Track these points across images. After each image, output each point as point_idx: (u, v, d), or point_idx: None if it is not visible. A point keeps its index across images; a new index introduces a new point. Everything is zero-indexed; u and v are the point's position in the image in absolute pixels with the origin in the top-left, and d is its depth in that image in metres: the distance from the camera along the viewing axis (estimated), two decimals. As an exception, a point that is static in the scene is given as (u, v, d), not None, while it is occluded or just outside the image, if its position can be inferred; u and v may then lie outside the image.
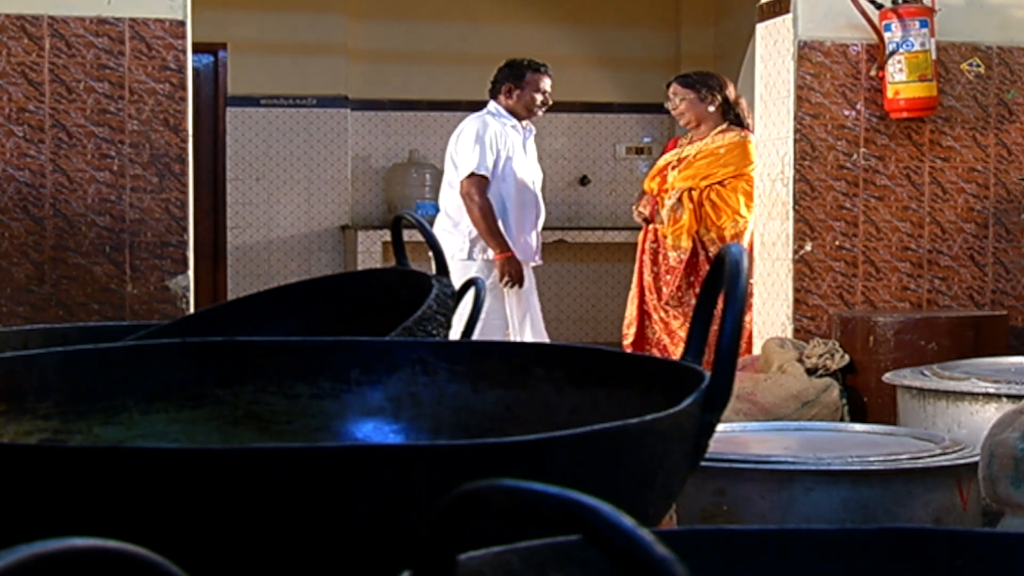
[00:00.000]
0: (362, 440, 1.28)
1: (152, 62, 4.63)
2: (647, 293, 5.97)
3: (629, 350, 5.85)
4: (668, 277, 5.88)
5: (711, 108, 5.94)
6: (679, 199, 5.86)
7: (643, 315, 5.99)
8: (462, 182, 5.65)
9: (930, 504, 2.14)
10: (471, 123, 5.77)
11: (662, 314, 5.89)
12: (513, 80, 5.82)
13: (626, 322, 6.09)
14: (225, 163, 8.81)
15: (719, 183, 5.84)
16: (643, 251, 6.01)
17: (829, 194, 5.10)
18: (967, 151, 5.18)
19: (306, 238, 8.91)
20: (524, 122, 5.88)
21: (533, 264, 5.87)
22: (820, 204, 5.10)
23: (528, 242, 5.80)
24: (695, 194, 5.85)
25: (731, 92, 6.02)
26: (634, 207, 6.18)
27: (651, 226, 5.98)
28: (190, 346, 1.33)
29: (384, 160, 8.89)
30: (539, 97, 5.83)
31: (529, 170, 5.85)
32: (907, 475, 2.14)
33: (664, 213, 5.88)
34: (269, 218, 8.87)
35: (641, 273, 6.01)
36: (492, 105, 5.85)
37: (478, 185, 5.62)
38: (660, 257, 5.94)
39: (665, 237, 5.90)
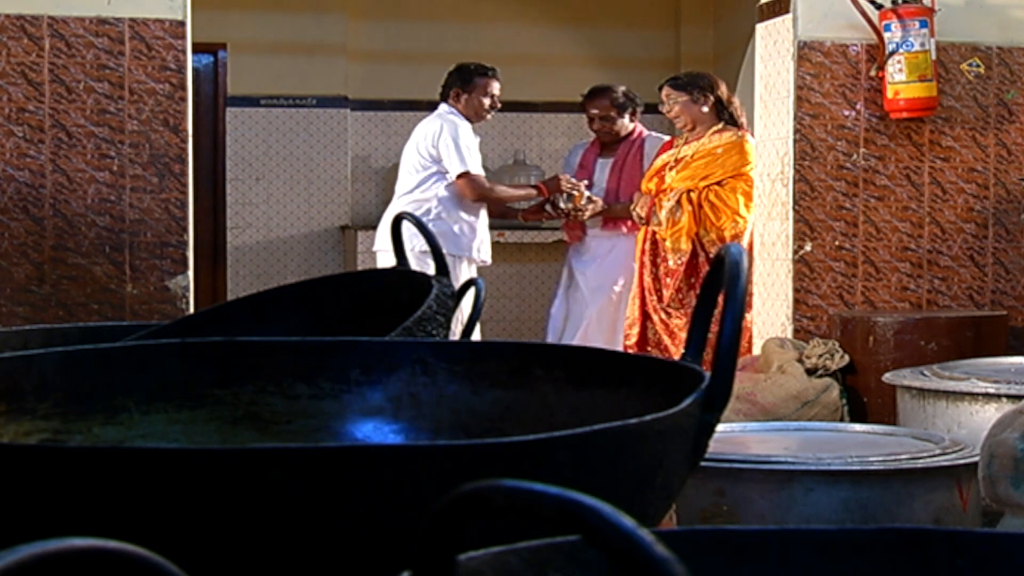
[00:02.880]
0: (362, 440, 1.28)
1: (152, 62, 4.64)
2: (647, 294, 5.96)
3: (631, 350, 5.87)
4: (668, 280, 5.87)
5: (704, 109, 5.94)
6: (678, 201, 5.85)
7: (644, 315, 5.99)
8: (460, 184, 5.70)
9: (930, 504, 2.14)
10: (443, 127, 5.80)
11: (663, 315, 5.89)
12: (461, 85, 5.85)
13: (627, 322, 6.09)
14: (225, 163, 8.81)
15: (717, 183, 5.83)
16: (643, 252, 6.01)
17: (829, 194, 5.10)
18: (967, 151, 5.19)
19: (306, 238, 8.91)
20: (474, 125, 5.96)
21: (486, 264, 5.95)
22: (820, 204, 5.10)
23: (485, 243, 5.91)
24: (694, 195, 5.85)
25: (723, 91, 6.02)
26: (632, 208, 6.18)
27: (649, 227, 5.98)
28: (190, 346, 1.33)
29: (384, 160, 8.89)
30: (487, 101, 5.88)
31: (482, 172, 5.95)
32: (907, 475, 2.14)
33: (662, 215, 5.87)
34: (269, 218, 8.87)
35: (641, 274, 6.01)
36: (444, 107, 5.88)
37: (475, 181, 5.72)
38: (659, 259, 5.94)
39: (663, 240, 5.90)
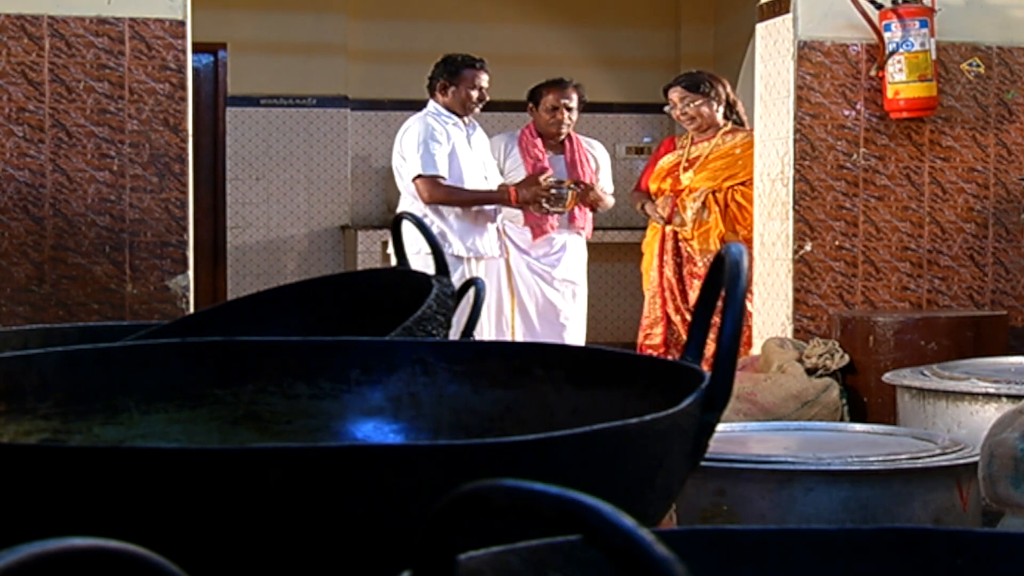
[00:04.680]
0: (362, 440, 1.28)
1: (152, 62, 4.64)
2: (668, 294, 5.94)
3: (656, 350, 5.83)
4: (696, 283, 5.82)
5: (720, 111, 5.92)
6: (703, 202, 5.83)
7: (667, 315, 5.96)
8: (416, 185, 5.61)
9: (930, 504, 2.14)
10: (412, 126, 5.72)
11: (687, 315, 5.84)
12: (448, 77, 5.75)
13: (648, 322, 6.04)
14: (225, 163, 8.81)
15: (742, 184, 5.81)
16: (662, 251, 5.96)
17: (829, 194, 5.10)
18: (967, 151, 5.19)
19: (306, 238, 8.91)
20: (467, 118, 5.80)
21: (496, 257, 5.84)
22: (820, 204, 5.10)
23: (486, 238, 5.77)
24: (720, 196, 5.83)
25: (730, 91, 6.02)
26: (642, 206, 6.14)
27: (668, 228, 5.94)
28: (190, 346, 1.33)
29: (384, 160, 8.89)
30: (475, 94, 5.73)
31: (479, 165, 5.79)
32: (907, 475, 2.14)
33: (688, 215, 5.85)
34: (269, 218, 8.87)
35: (662, 273, 5.97)
36: (431, 104, 5.78)
37: (430, 184, 5.60)
38: (682, 259, 5.91)
39: (687, 240, 5.87)
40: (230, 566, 0.86)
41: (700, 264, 5.82)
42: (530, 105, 6.17)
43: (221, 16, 8.33)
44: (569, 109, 6.07)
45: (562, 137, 6.12)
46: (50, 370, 1.24)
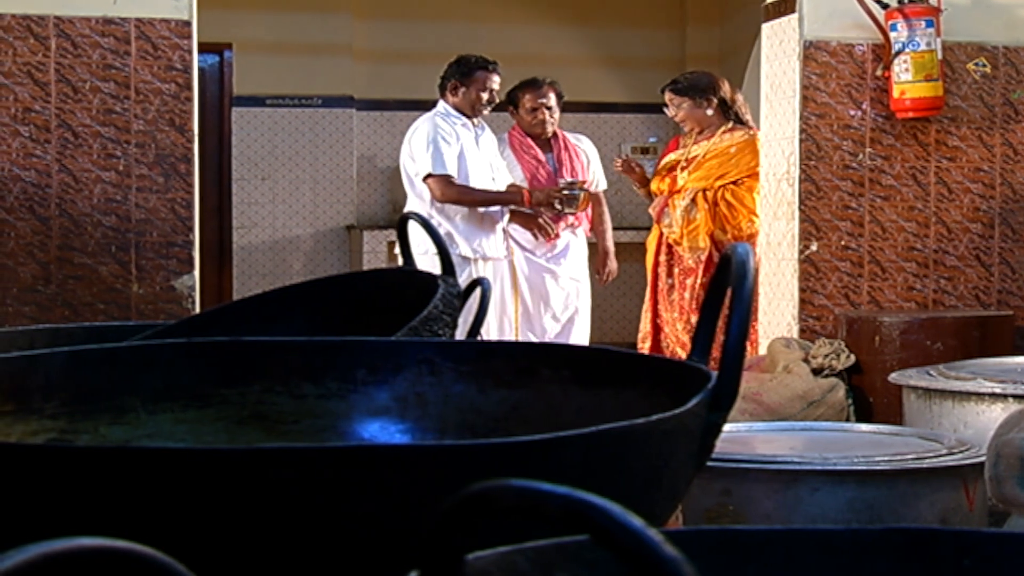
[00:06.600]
0: (368, 440, 1.28)
1: (158, 62, 4.64)
2: (660, 297, 5.94)
3: None
4: (687, 281, 5.82)
5: (709, 111, 5.91)
6: (692, 200, 5.83)
7: (656, 328, 5.97)
8: (428, 185, 5.60)
9: (936, 504, 2.14)
10: (421, 127, 5.72)
11: (678, 313, 5.84)
12: (460, 77, 5.74)
13: (640, 336, 6.08)
14: (231, 163, 8.82)
15: (733, 183, 5.81)
16: (659, 251, 5.96)
17: (835, 194, 5.10)
18: (973, 151, 5.18)
19: (311, 238, 8.91)
20: (475, 119, 5.79)
21: (502, 259, 5.83)
22: (826, 204, 5.10)
23: (492, 239, 5.76)
24: (709, 194, 5.83)
25: (726, 91, 5.98)
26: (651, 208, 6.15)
27: (665, 233, 5.93)
28: (196, 346, 1.33)
29: (389, 160, 8.89)
30: (485, 95, 5.73)
31: (486, 166, 5.78)
32: (913, 475, 2.14)
33: (677, 214, 5.84)
34: (275, 218, 8.88)
35: (656, 280, 5.97)
36: (441, 105, 5.78)
37: (442, 183, 5.60)
38: (675, 259, 5.91)
39: (677, 243, 5.87)
40: (237, 566, 0.86)
41: (690, 261, 5.81)
42: (510, 108, 6.17)
43: (227, 16, 8.33)
44: (549, 108, 6.07)
45: (548, 135, 6.13)
46: (56, 370, 1.24)
